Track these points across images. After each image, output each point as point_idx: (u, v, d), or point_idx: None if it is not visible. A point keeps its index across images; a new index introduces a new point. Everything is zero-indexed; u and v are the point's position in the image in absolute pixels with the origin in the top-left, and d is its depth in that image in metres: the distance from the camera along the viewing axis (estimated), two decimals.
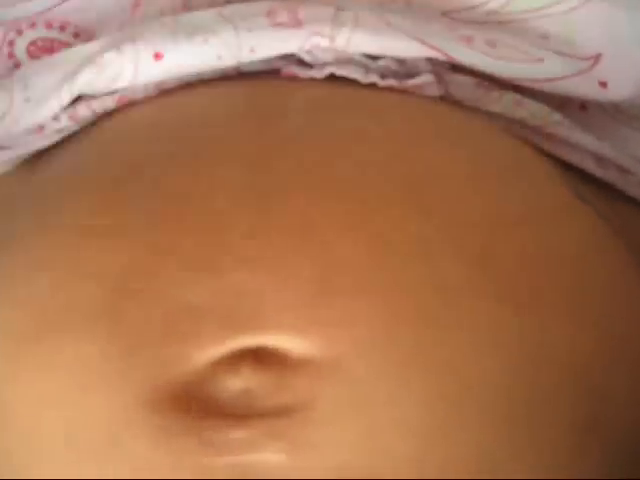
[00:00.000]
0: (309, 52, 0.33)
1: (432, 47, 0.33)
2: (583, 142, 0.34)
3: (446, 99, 0.34)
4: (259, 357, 0.25)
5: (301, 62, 0.33)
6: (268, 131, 0.30)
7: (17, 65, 0.38)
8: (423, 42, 0.33)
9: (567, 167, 0.35)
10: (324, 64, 0.33)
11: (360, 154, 0.29)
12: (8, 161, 0.36)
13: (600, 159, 0.35)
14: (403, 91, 0.32)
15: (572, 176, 0.34)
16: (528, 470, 0.25)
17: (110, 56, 0.33)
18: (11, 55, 0.38)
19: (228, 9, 0.34)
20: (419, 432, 0.24)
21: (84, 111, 0.35)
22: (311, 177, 0.28)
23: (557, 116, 0.34)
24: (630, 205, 0.35)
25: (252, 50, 0.33)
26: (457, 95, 0.34)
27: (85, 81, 0.34)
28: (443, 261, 0.26)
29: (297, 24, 0.33)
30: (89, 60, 0.34)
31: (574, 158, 0.35)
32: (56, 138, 0.36)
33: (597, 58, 0.34)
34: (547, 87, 0.34)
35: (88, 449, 0.25)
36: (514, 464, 0.25)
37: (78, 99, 0.35)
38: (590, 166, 0.35)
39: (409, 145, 0.30)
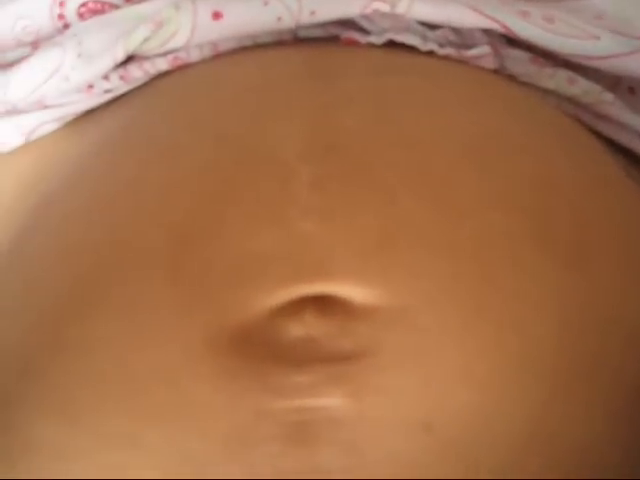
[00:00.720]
0: (367, 19, 0.33)
1: (490, 18, 0.33)
2: (633, 123, 0.35)
3: (500, 73, 0.34)
4: (322, 305, 0.25)
5: (358, 29, 0.34)
6: (329, 90, 0.30)
7: (66, 26, 0.38)
8: (482, 13, 0.33)
9: (615, 148, 0.35)
10: (382, 31, 0.33)
11: (420, 114, 0.29)
12: (57, 120, 0.36)
13: None
14: (460, 61, 0.33)
15: (620, 157, 0.34)
16: (578, 430, 0.25)
17: (168, 14, 0.33)
18: (61, 16, 0.38)
19: None
20: (482, 383, 0.24)
21: (136, 72, 0.35)
22: (374, 133, 0.28)
23: (609, 96, 0.34)
24: None
25: (312, 13, 0.33)
26: (511, 69, 0.34)
27: (141, 38, 0.34)
28: (502, 218, 0.27)
29: None
30: (146, 18, 0.34)
31: (623, 138, 0.35)
32: (105, 98, 0.36)
33: None
34: (602, 64, 0.34)
35: (144, 389, 0.25)
36: (567, 423, 0.25)
37: (130, 60, 0.35)
38: (639, 147, 0.35)
39: (467, 108, 0.30)
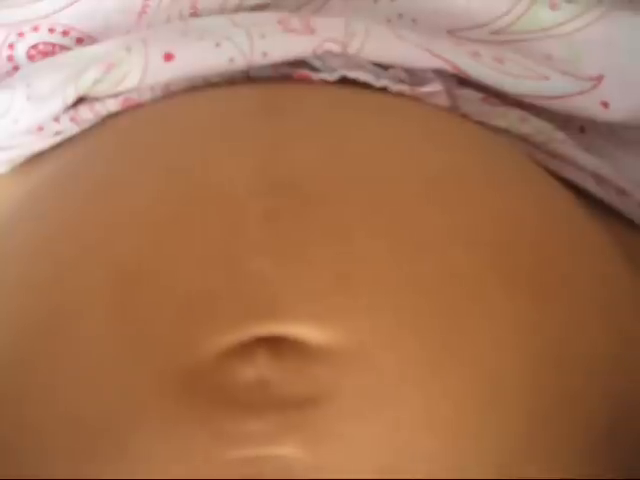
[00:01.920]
0: (320, 58, 0.33)
1: (441, 58, 0.33)
2: (585, 161, 0.35)
3: (453, 112, 0.34)
4: (275, 346, 0.24)
5: (310, 68, 0.34)
6: (282, 124, 0.29)
7: (15, 68, 0.38)
8: (433, 53, 0.33)
9: (569, 187, 0.35)
10: (334, 69, 0.33)
11: (377, 149, 0.29)
12: (6, 162, 0.35)
13: (599, 179, 0.35)
14: (413, 98, 0.33)
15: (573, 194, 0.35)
16: (548, 472, 0.25)
17: (119, 55, 0.33)
18: (10, 58, 0.38)
19: (239, 16, 0.35)
20: (448, 427, 0.23)
21: (86, 113, 0.34)
22: (328, 168, 0.28)
23: (560, 134, 0.35)
24: (624, 225, 0.36)
25: (264, 54, 0.33)
26: (464, 109, 0.34)
27: (92, 80, 0.33)
28: (464, 253, 0.26)
29: (309, 31, 0.33)
30: (97, 59, 0.34)
31: (575, 176, 0.35)
32: (55, 140, 0.35)
33: (599, 79, 0.35)
34: (552, 104, 0.34)
35: (90, 438, 0.24)
36: (532, 466, 0.24)
37: (80, 101, 0.35)
38: (591, 186, 0.35)
39: (425, 143, 0.30)
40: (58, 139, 0.35)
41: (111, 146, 0.32)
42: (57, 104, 0.34)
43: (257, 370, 0.24)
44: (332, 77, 0.33)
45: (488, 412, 0.24)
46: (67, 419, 0.24)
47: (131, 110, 0.33)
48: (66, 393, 0.25)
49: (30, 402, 0.25)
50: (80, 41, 0.38)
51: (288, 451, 0.23)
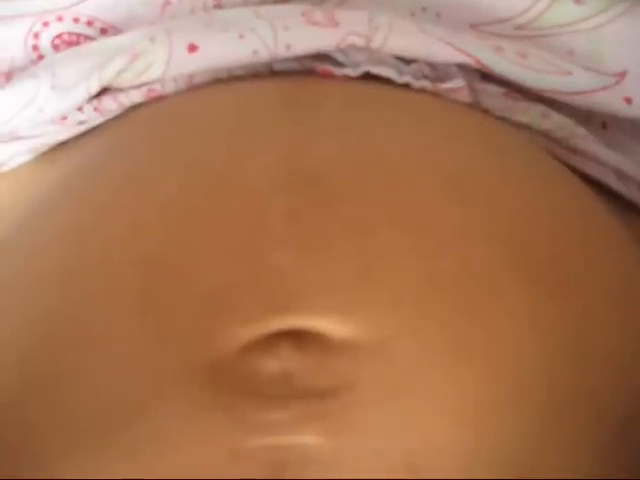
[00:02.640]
0: (342, 52, 0.34)
1: (465, 53, 0.33)
2: (606, 157, 0.35)
3: (475, 107, 0.34)
4: (299, 339, 0.24)
5: (334, 63, 0.34)
6: (306, 120, 0.29)
7: (40, 57, 0.38)
8: (456, 48, 0.33)
9: (589, 183, 0.35)
10: (357, 64, 0.33)
11: (398, 146, 0.29)
12: (30, 151, 0.36)
13: (621, 175, 0.35)
14: (435, 94, 0.33)
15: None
16: (562, 466, 0.25)
17: (143, 46, 0.33)
18: (35, 47, 0.38)
19: (263, 8, 0.35)
20: (468, 420, 0.24)
21: (110, 104, 0.35)
22: (352, 164, 0.28)
23: (582, 130, 0.35)
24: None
25: (288, 47, 0.33)
26: (486, 104, 0.34)
27: (116, 70, 0.33)
28: (483, 250, 0.26)
29: (333, 24, 0.33)
30: (121, 49, 0.34)
31: (596, 172, 0.35)
32: (78, 130, 0.35)
33: (623, 75, 0.35)
34: (574, 100, 0.34)
35: (115, 425, 0.24)
36: (544, 464, 0.25)
37: (104, 91, 0.35)
38: (612, 182, 0.35)
39: (445, 141, 0.30)
40: (82, 129, 0.35)
41: (136, 139, 0.32)
42: (81, 94, 0.34)
43: (281, 363, 0.24)
44: (355, 73, 0.33)
45: (505, 410, 0.24)
46: (95, 404, 0.25)
47: (154, 102, 0.34)
48: (94, 380, 0.25)
49: (59, 388, 0.25)
50: (104, 31, 0.38)
51: (310, 440, 0.23)
